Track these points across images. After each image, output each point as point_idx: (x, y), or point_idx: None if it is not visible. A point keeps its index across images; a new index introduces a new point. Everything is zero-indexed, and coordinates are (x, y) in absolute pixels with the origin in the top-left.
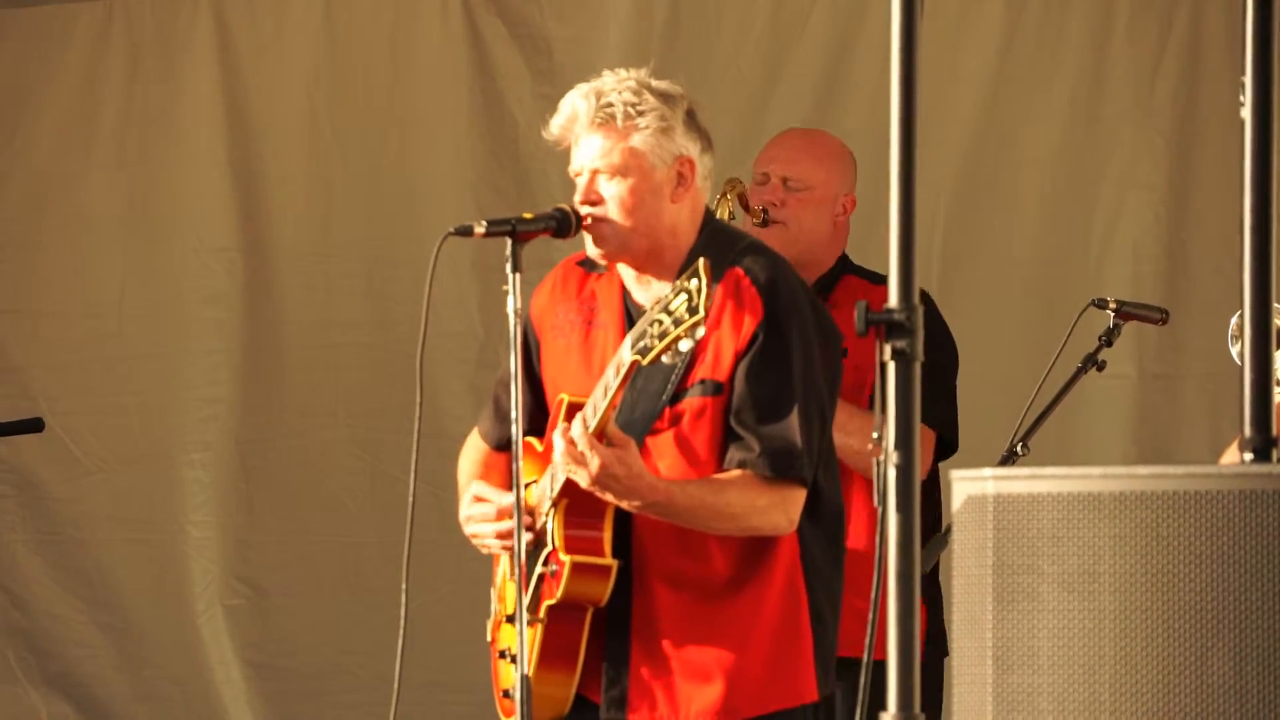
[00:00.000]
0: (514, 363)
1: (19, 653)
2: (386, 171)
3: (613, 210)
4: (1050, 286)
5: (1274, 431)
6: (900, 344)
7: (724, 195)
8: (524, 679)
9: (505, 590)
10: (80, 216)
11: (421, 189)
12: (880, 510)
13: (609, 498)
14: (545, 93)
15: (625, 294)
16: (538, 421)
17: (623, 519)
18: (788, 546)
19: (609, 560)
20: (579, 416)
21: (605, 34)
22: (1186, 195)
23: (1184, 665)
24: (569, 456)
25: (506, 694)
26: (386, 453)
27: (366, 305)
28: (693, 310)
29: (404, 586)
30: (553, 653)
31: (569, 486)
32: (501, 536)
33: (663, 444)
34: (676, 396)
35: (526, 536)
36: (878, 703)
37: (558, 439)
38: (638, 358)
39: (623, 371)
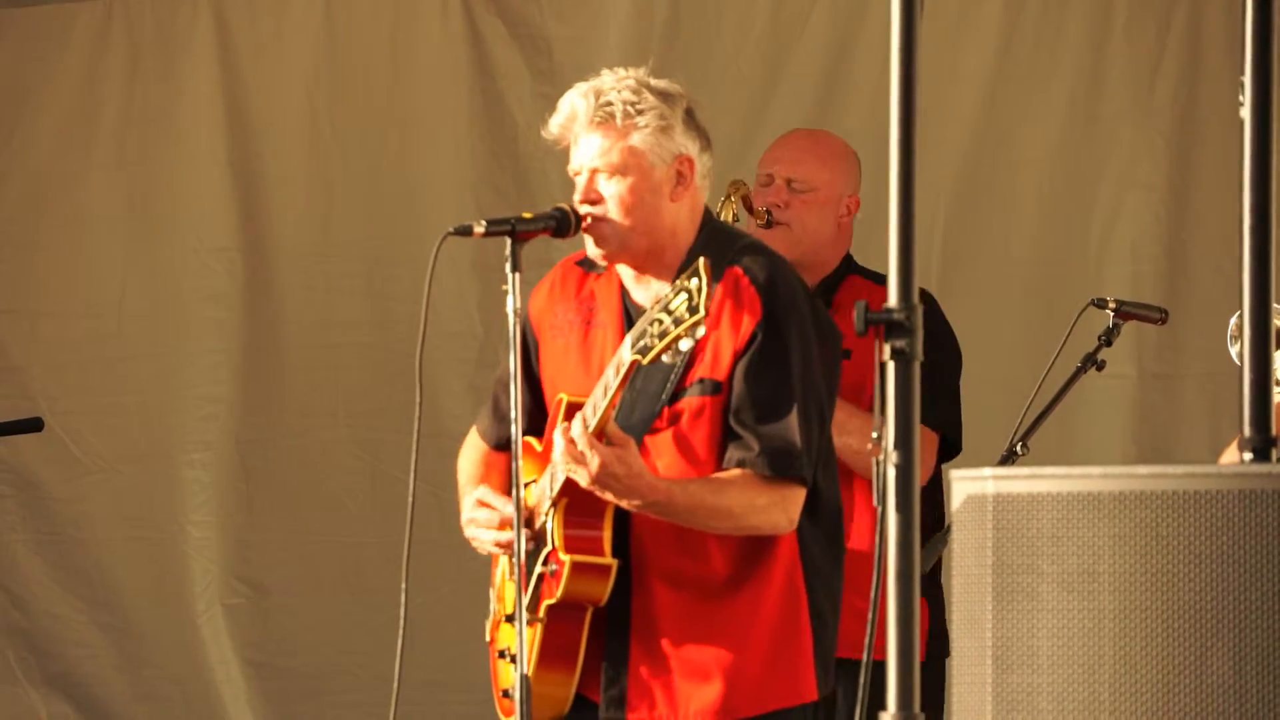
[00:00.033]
0: (513, 362)
1: (19, 653)
2: (386, 171)
3: (612, 209)
4: (1050, 286)
5: (1273, 431)
6: (900, 343)
7: (728, 197)
8: (523, 678)
9: (504, 590)
10: (80, 216)
11: (421, 189)
12: (880, 510)
13: (609, 497)
14: (545, 92)
15: (624, 294)
16: (536, 421)
17: (622, 518)
18: (787, 546)
19: (609, 560)
20: (579, 416)
21: (605, 34)
22: (1186, 195)
23: (1184, 665)
24: (569, 456)
25: (506, 694)
26: (386, 452)
27: (366, 305)
28: (693, 309)
29: (404, 586)
30: (552, 652)
31: (569, 486)
32: (501, 545)
33: (661, 443)
34: (675, 396)
35: (526, 535)
36: (878, 702)
37: (558, 438)
38: (638, 357)
39: (623, 371)
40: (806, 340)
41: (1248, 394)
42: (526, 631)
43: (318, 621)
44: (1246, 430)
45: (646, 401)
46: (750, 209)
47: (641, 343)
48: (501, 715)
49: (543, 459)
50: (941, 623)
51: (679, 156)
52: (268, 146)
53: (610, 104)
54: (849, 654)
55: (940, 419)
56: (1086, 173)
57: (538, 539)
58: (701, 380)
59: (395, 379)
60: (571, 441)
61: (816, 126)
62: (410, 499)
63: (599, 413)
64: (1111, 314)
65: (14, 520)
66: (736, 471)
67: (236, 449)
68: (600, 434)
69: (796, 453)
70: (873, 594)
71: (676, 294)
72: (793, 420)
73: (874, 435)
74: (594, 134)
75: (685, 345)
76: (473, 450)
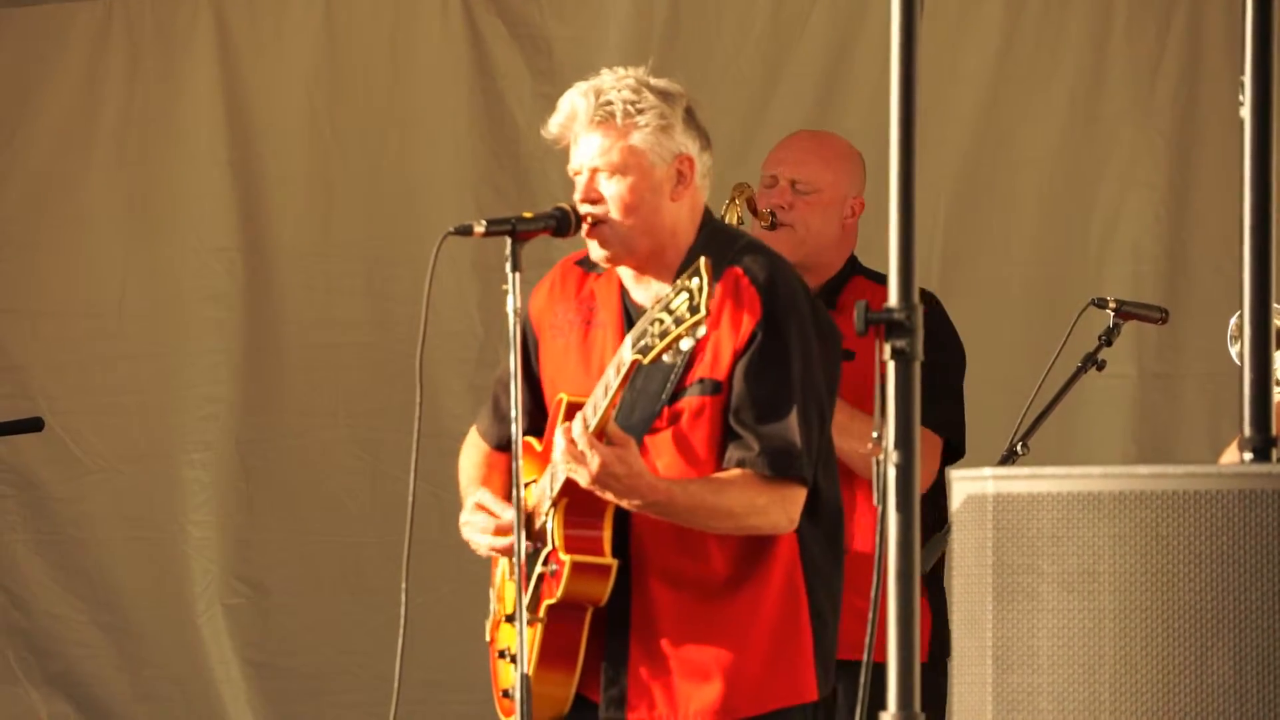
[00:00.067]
0: (513, 362)
1: (19, 652)
2: (386, 171)
3: (613, 209)
4: (1050, 286)
5: (1273, 431)
6: (900, 343)
7: (732, 200)
8: (524, 678)
9: (504, 590)
10: (80, 216)
11: (421, 189)
12: (880, 510)
13: (609, 497)
14: (545, 92)
15: (624, 293)
16: (536, 421)
17: (622, 518)
18: (787, 546)
19: (609, 560)
20: (579, 415)
21: (605, 34)
22: (1186, 195)
23: (1184, 665)
24: (569, 455)
25: (506, 694)
26: (386, 452)
27: (366, 305)
28: (694, 309)
29: (404, 586)
30: (552, 652)
31: (569, 486)
32: (495, 550)
33: (661, 443)
34: (675, 396)
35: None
36: (878, 703)
37: (558, 438)
38: (638, 357)
39: (623, 371)
40: (806, 340)
41: (1248, 394)
42: (526, 631)
43: (318, 621)
44: (1247, 430)
45: (647, 401)
46: (755, 211)
47: (642, 342)
48: (501, 715)
49: (543, 459)
50: (944, 626)
51: (679, 156)
52: (268, 146)
53: (610, 103)
54: (849, 655)
55: (945, 422)
56: (1087, 173)
57: (538, 539)
58: (701, 380)
59: (395, 379)
60: (572, 441)
61: (816, 126)
62: (410, 499)
63: (599, 412)
64: (1112, 314)
65: (14, 520)
66: (737, 471)
67: (237, 449)
68: (600, 434)
69: (796, 453)
70: (873, 594)
71: (677, 294)
72: (793, 420)
73: (874, 435)
74: (594, 133)
75: (686, 345)
76: (474, 451)
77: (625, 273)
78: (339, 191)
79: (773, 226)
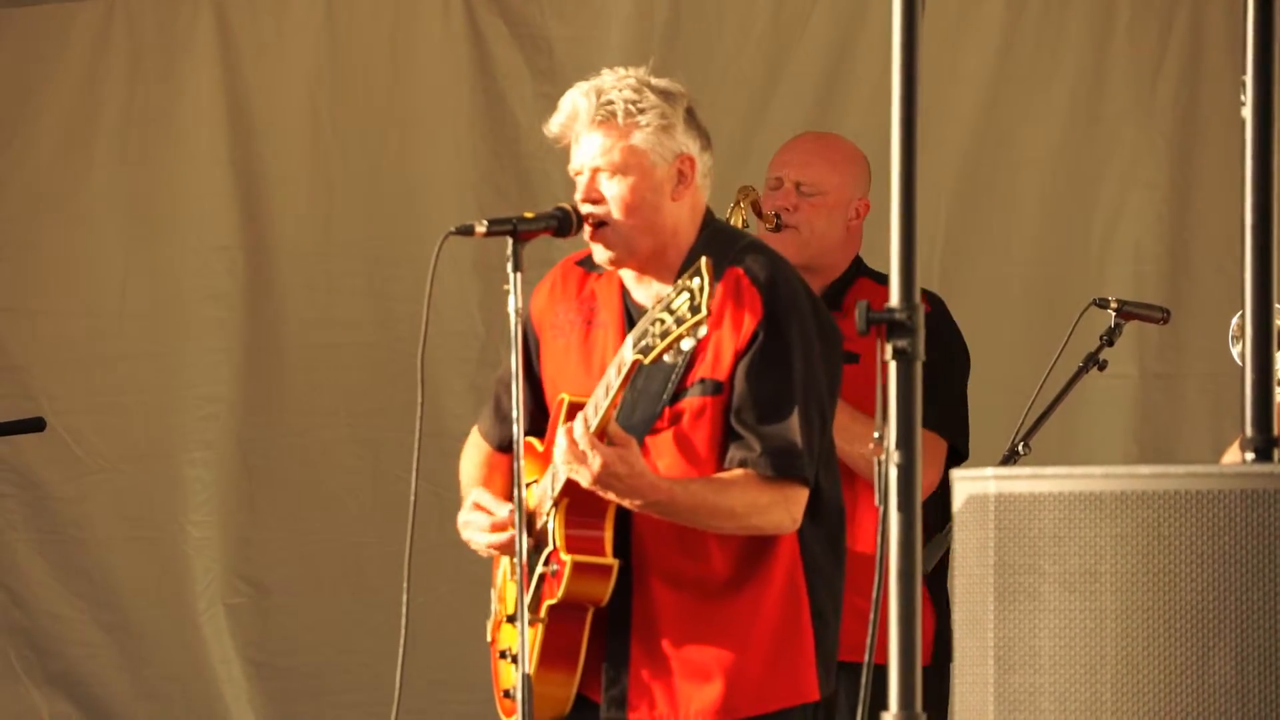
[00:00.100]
0: (515, 362)
1: (20, 652)
2: (387, 171)
3: (614, 209)
4: (1051, 286)
5: (1275, 431)
6: (902, 343)
7: (737, 203)
8: (525, 678)
9: (505, 590)
10: (81, 215)
11: (422, 188)
12: (881, 510)
13: (611, 497)
14: (546, 92)
15: (625, 294)
16: (537, 421)
17: (623, 518)
18: (788, 546)
19: (610, 560)
20: (580, 416)
21: (606, 34)
22: (1188, 195)
23: (1186, 665)
24: (570, 456)
25: (507, 694)
26: (388, 452)
27: (368, 304)
28: (695, 309)
29: (405, 585)
30: (553, 652)
31: (570, 486)
32: (494, 547)
33: (663, 443)
34: (676, 396)
35: (526, 540)
36: (879, 703)
37: (559, 439)
38: (639, 357)
39: (624, 371)
40: (808, 340)
41: (1249, 394)
42: (528, 631)
43: (319, 621)
44: (1248, 430)
45: (648, 401)
46: (759, 214)
47: (643, 342)
48: (503, 715)
49: (544, 459)
50: (947, 628)
51: (680, 155)
52: (269, 146)
53: (611, 103)
54: (850, 657)
55: (949, 426)
56: (1088, 173)
57: (539, 539)
58: (703, 380)
59: (396, 378)
60: (573, 442)
61: (817, 127)
62: (412, 498)
63: (600, 412)
64: (1113, 314)
65: (15, 520)
66: (739, 471)
67: (238, 448)
68: (602, 434)
69: (798, 453)
70: (874, 594)
71: (678, 293)
72: (794, 420)
73: (876, 435)
74: (595, 133)
75: (687, 345)
76: (475, 451)
77: (626, 273)
78: (340, 191)
79: (778, 228)
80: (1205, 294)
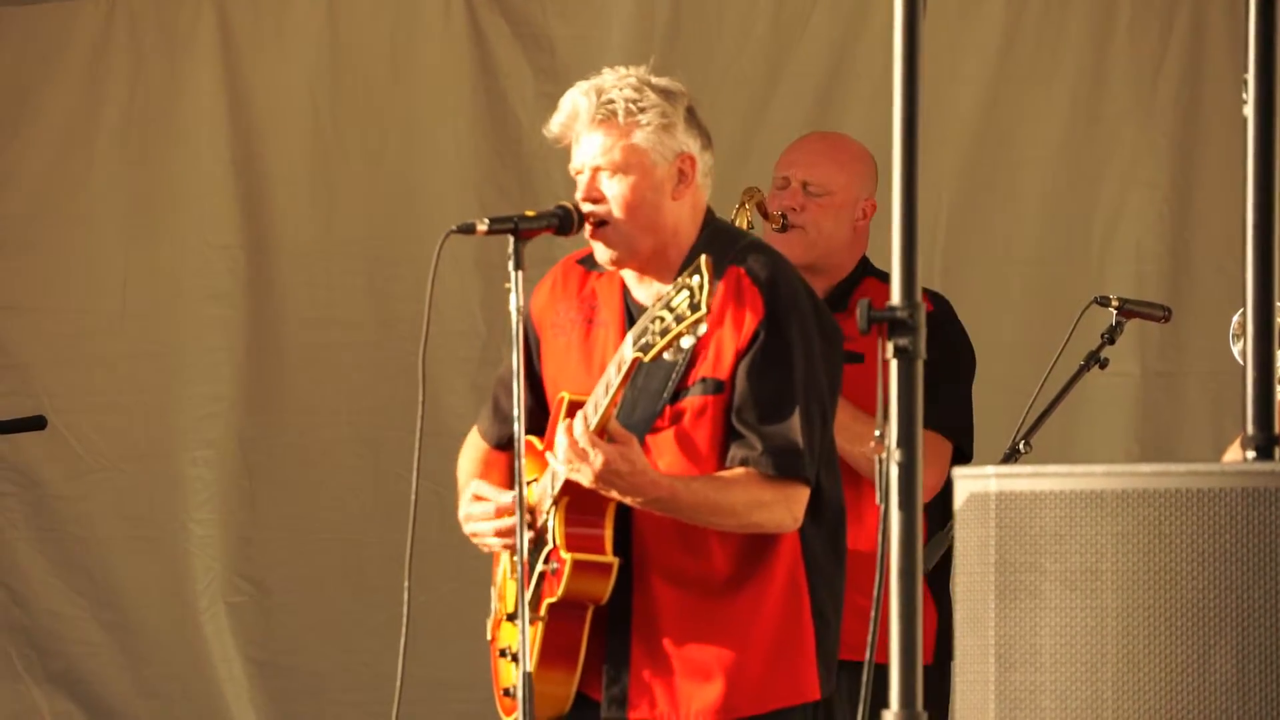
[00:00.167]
0: (516, 361)
1: (21, 650)
2: (389, 170)
3: (614, 208)
4: (1053, 285)
5: (1276, 430)
6: (903, 341)
7: (742, 204)
8: (526, 676)
9: (505, 589)
10: (82, 214)
11: (424, 187)
12: (882, 509)
13: (613, 494)
14: (548, 91)
15: (626, 292)
16: (537, 420)
17: (623, 516)
18: (789, 544)
19: (610, 558)
20: (580, 414)
21: (608, 33)
22: (1189, 194)
23: (1186, 663)
24: (571, 455)
25: (507, 692)
26: (389, 451)
27: (369, 303)
28: (695, 307)
29: (406, 584)
30: (553, 651)
31: (570, 484)
32: (501, 534)
33: (663, 442)
34: (677, 395)
35: (527, 534)
36: (880, 702)
37: (559, 438)
38: (639, 355)
39: (624, 369)
40: (809, 339)
41: (1250, 392)
42: (528, 630)
43: (320, 620)
44: (1249, 428)
45: (648, 400)
46: (765, 214)
47: (643, 340)
48: (502, 714)
49: (544, 457)
50: (948, 626)
51: (681, 155)
52: (270, 145)
53: (612, 102)
54: (851, 656)
55: (953, 427)
56: (1089, 172)
57: (539, 537)
58: (703, 379)
59: (397, 377)
60: (573, 440)
61: (818, 126)
62: (413, 497)
63: (600, 411)
64: (1114, 312)
65: (16, 518)
66: (740, 470)
67: (239, 447)
68: (602, 432)
69: (799, 452)
70: (875, 593)
71: (678, 291)
72: (795, 420)
73: (877, 434)
74: (596, 132)
75: (687, 343)
76: (473, 450)
77: (627, 272)
78: (341, 190)
79: (784, 228)
80: (1206, 293)
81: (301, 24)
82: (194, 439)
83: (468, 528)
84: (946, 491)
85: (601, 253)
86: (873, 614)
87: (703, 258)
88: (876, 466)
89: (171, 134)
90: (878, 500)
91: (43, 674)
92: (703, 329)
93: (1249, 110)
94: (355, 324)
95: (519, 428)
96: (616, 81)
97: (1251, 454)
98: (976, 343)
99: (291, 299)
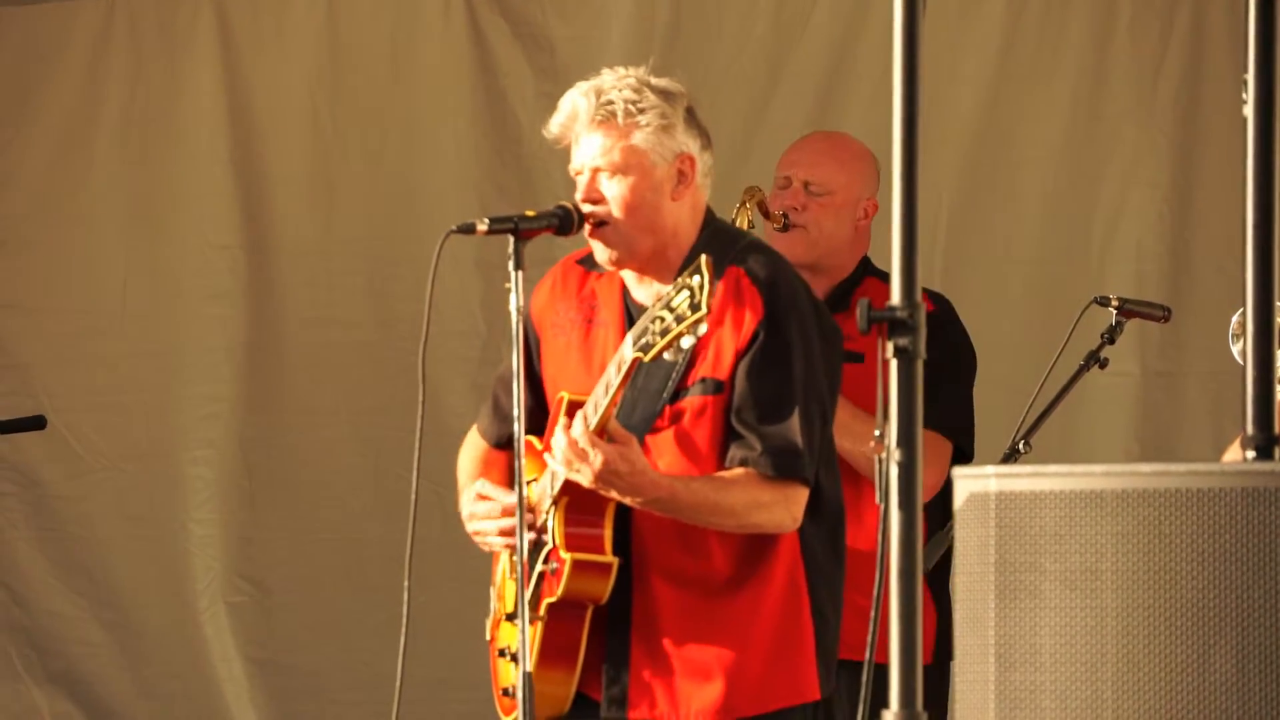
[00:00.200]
0: (516, 361)
1: (21, 650)
2: (388, 170)
3: (614, 209)
4: (1053, 285)
5: (1276, 430)
6: (902, 341)
7: (743, 204)
8: (526, 676)
9: (505, 588)
10: (82, 214)
11: (424, 187)
12: (882, 508)
13: (613, 495)
14: (547, 91)
15: (625, 293)
16: (537, 419)
17: (623, 516)
18: (789, 544)
19: (609, 558)
20: (580, 414)
21: (608, 33)
22: (1189, 194)
23: (1186, 663)
24: (571, 455)
25: (506, 692)
26: (389, 450)
27: (369, 303)
28: (695, 307)
29: (406, 584)
30: (553, 651)
31: (570, 484)
32: (505, 534)
33: (663, 442)
34: (677, 395)
35: (528, 535)
36: (880, 701)
37: (558, 438)
38: (639, 355)
39: (624, 369)
40: (808, 339)
41: (1250, 392)
42: (528, 630)
43: (320, 619)
44: (1249, 428)
45: (648, 400)
46: (766, 214)
47: (643, 340)
48: (501, 714)
49: (543, 458)
50: (948, 626)
51: (680, 155)
52: (270, 144)
53: (612, 103)
54: (851, 655)
55: (954, 427)
56: (1089, 171)
57: (538, 536)
58: (703, 379)
59: (397, 377)
60: (573, 441)
61: (818, 126)
62: (413, 497)
63: (600, 410)
64: (1114, 312)
65: (16, 518)
66: (740, 470)
67: (239, 446)
68: (601, 432)
69: (799, 452)
70: (875, 593)
71: (678, 291)
72: (795, 420)
73: (877, 433)
74: (595, 133)
75: (687, 342)
76: (472, 449)
77: (627, 272)
78: (341, 189)
79: (786, 228)
80: (1206, 292)
81: (301, 24)
82: (194, 439)
83: (471, 526)
84: (946, 491)
85: (601, 253)
86: (873, 614)
87: (703, 258)
88: (876, 466)
89: (171, 134)
90: (878, 500)
91: (43, 674)
92: (703, 329)
93: (1249, 110)
94: (355, 324)
95: (519, 428)
96: (616, 82)
97: (1251, 454)
98: (977, 343)
99: (291, 299)
